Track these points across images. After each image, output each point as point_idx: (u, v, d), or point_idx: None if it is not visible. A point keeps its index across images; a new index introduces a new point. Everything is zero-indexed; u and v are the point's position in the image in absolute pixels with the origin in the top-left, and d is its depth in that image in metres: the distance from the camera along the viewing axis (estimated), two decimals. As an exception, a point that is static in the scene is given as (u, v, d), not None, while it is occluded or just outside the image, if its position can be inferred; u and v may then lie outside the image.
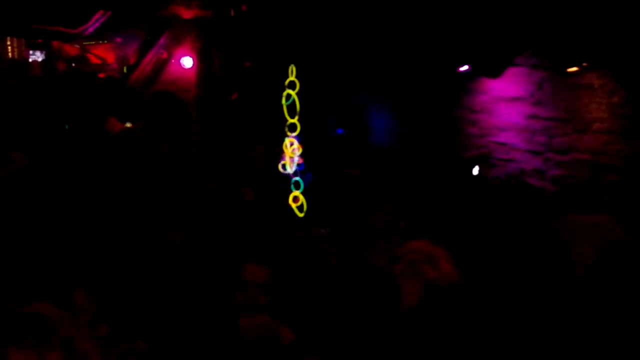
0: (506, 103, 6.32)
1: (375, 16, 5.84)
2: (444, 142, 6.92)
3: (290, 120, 5.30)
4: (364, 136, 6.65)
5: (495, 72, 6.14)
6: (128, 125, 6.00)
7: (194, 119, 6.89)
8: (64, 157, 4.91)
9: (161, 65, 7.41)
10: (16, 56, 7.75)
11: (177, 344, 2.34)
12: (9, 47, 7.75)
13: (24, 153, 4.50)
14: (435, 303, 1.87)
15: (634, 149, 5.20)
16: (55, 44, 7.77)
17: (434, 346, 1.86)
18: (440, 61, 6.29)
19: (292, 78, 5.42)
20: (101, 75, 7.62)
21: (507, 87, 6.25)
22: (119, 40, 7.76)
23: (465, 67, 6.20)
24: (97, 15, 7.02)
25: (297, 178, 5.34)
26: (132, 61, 7.60)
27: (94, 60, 7.82)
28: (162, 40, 7.39)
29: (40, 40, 7.79)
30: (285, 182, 5.44)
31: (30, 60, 7.82)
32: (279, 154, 5.52)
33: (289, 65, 5.46)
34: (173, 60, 7.38)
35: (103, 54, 7.89)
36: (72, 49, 7.81)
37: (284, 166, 5.42)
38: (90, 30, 7.13)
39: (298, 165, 5.43)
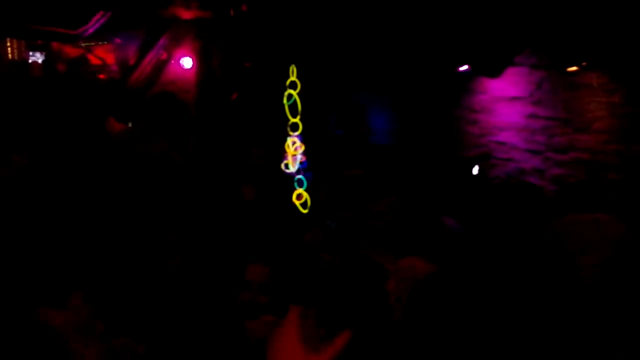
0: (506, 103, 6.33)
1: (375, 16, 5.85)
2: (443, 142, 6.93)
3: (292, 120, 5.31)
4: (363, 136, 6.66)
5: (495, 72, 6.15)
6: (129, 125, 6.00)
7: (194, 119, 6.90)
8: (63, 158, 4.91)
9: (161, 66, 7.42)
10: (16, 57, 7.75)
11: (182, 345, 2.35)
12: (9, 49, 7.75)
13: (23, 154, 4.50)
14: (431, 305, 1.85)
15: (633, 148, 5.20)
16: (55, 45, 7.77)
17: (429, 347, 1.85)
18: (440, 61, 6.29)
19: (293, 78, 5.43)
20: (101, 76, 7.62)
21: (507, 86, 6.26)
22: (118, 41, 7.76)
23: (465, 67, 6.21)
24: (97, 17, 7.02)
25: (300, 176, 5.36)
26: (132, 62, 7.59)
27: (94, 61, 7.82)
28: (161, 41, 7.39)
29: (40, 42, 7.78)
30: (286, 182, 5.45)
31: (30, 61, 7.82)
32: (281, 153, 5.54)
33: (289, 65, 5.46)
34: (173, 61, 7.39)
35: (103, 55, 7.89)
36: (72, 50, 7.81)
37: (286, 165, 5.43)
38: (90, 31, 7.12)
39: (301, 163, 5.45)
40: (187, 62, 7.32)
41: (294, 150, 5.45)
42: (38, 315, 1.03)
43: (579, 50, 5.24)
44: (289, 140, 5.48)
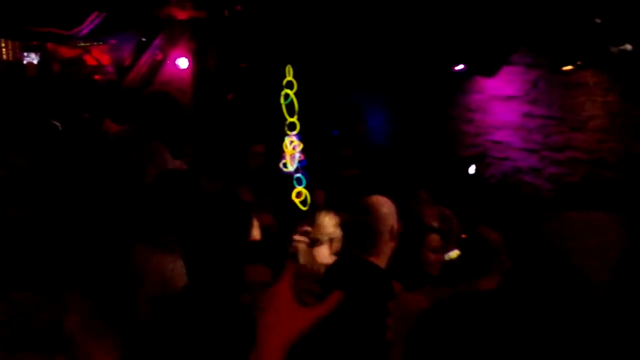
0: (501, 102, 6.34)
1: (370, 16, 5.85)
2: (440, 142, 6.94)
3: (290, 120, 5.31)
4: (360, 136, 6.65)
5: (490, 71, 6.15)
6: (125, 126, 5.99)
7: (190, 120, 6.89)
8: (60, 159, 4.90)
9: (157, 67, 7.40)
10: (10, 58, 7.73)
11: (184, 346, 2.34)
12: (4, 49, 7.72)
13: (20, 155, 4.49)
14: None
15: (629, 147, 5.22)
16: (50, 45, 7.75)
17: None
18: (435, 60, 6.30)
19: (289, 78, 5.43)
20: (97, 77, 7.60)
21: (502, 85, 6.27)
22: (113, 41, 7.74)
23: (460, 66, 6.21)
24: (92, 17, 7.00)
25: (299, 174, 5.36)
26: (127, 63, 7.58)
27: (90, 62, 7.80)
28: (157, 42, 7.38)
29: (35, 42, 7.76)
30: (284, 182, 5.44)
31: (25, 62, 7.79)
32: (279, 153, 5.54)
33: (285, 65, 5.46)
34: (168, 61, 7.37)
35: (98, 55, 7.87)
36: (67, 51, 7.79)
37: (285, 165, 5.43)
38: (85, 31, 7.11)
39: (300, 161, 5.46)
40: (182, 63, 7.31)
41: (292, 149, 5.45)
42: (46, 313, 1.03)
43: (574, 49, 5.25)
44: (287, 140, 5.48)
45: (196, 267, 2.98)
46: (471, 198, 5.69)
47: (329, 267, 3.51)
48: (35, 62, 7.83)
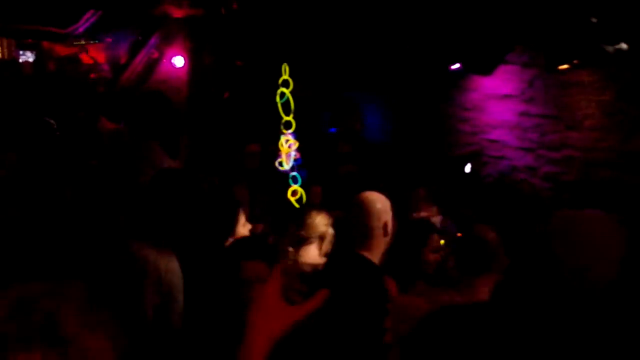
0: (497, 100, 6.35)
1: (367, 14, 5.85)
2: (436, 140, 6.95)
3: (286, 118, 5.31)
4: (357, 134, 6.67)
5: (487, 70, 6.15)
6: (120, 125, 5.98)
7: (186, 118, 6.88)
8: (54, 156, 4.89)
9: (152, 65, 7.39)
10: (6, 56, 7.70)
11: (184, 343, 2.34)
12: (-1, 48, 7.71)
13: (15, 153, 4.48)
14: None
15: (624, 145, 5.23)
16: (46, 44, 7.73)
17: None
18: (432, 59, 6.30)
19: (285, 77, 5.43)
20: (93, 76, 7.59)
21: (499, 84, 6.27)
22: (109, 40, 7.73)
23: (457, 65, 6.22)
24: (87, 15, 6.99)
25: (295, 173, 5.36)
26: (123, 61, 7.57)
27: (86, 60, 7.79)
28: (153, 40, 7.37)
29: (30, 40, 7.74)
30: (279, 181, 5.44)
31: (20, 60, 7.77)
32: (275, 152, 5.54)
33: (281, 63, 5.46)
34: (164, 60, 7.37)
35: (94, 54, 7.86)
36: (63, 49, 7.77)
37: (280, 163, 5.43)
38: (81, 30, 7.10)
39: (295, 160, 5.46)
40: (178, 61, 7.30)
41: (288, 148, 5.46)
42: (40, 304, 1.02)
43: (570, 48, 5.25)
44: (283, 139, 5.48)
45: (188, 263, 2.99)
46: (467, 196, 5.70)
47: (324, 263, 3.51)
48: (30, 60, 7.81)
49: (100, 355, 1.00)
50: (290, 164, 5.36)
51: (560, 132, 5.75)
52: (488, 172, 6.34)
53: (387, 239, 3.04)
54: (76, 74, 7.55)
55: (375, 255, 2.95)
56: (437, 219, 4.89)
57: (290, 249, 3.63)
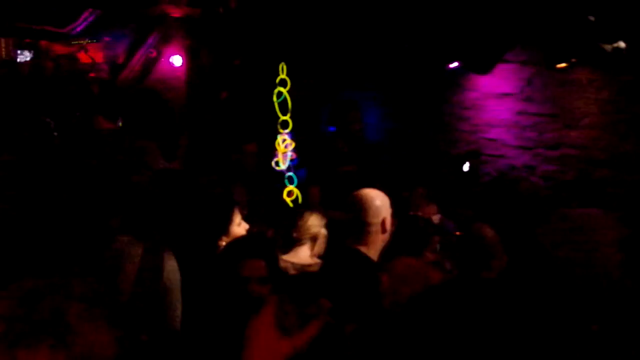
0: (496, 99, 6.35)
1: (365, 13, 5.84)
2: (435, 139, 6.94)
3: (283, 118, 5.31)
4: (356, 133, 6.66)
5: (485, 69, 6.16)
6: (118, 124, 5.97)
7: (185, 118, 6.87)
8: (51, 156, 4.88)
9: (150, 64, 7.38)
10: (4, 56, 7.69)
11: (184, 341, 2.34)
12: (-3, 47, 7.70)
13: (9, 152, 4.49)
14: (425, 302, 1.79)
15: (622, 144, 5.24)
16: (44, 43, 7.72)
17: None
18: (430, 58, 6.30)
19: (282, 76, 5.42)
20: (92, 75, 7.58)
21: (497, 83, 6.27)
22: (107, 39, 7.72)
23: (455, 64, 6.22)
24: (86, 14, 6.98)
25: (291, 173, 5.35)
26: (121, 60, 7.56)
27: (84, 59, 7.78)
28: (151, 39, 7.36)
29: (28, 40, 7.73)
30: (277, 180, 5.44)
31: (18, 59, 7.76)
32: (271, 151, 5.53)
33: (279, 62, 5.45)
34: (162, 59, 7.36)
35: (92, 53, 7.85)
36: (61, 48, 7.76)
37: (277, 163, 5.42)
38: (79, 29, 7.08)
39: (292, 160, 5.45)
40: (176, 60, 7.29)
41: (284, 148, 5.45)
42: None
43: (568, 47, 5.26)
44: (279, 138, 5.48)
45: (184, 261, 2.99)
46: (466, 195, 5.71)
47: (315, 264, 3.52)
48: (28, 59, 7.80)
49: (105, 349, 1.00)
50: (287, 164, 5.36)
51: (558, 131, 5.75)
52: (486, 171, 6.34)
53: (386, 235, 3.04)
54: (73, 73, 7.54)
55: (372, 251, 2.95)
56: (436, 218, 4.90)
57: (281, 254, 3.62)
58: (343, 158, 6.08)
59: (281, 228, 3.94)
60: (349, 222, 3.10)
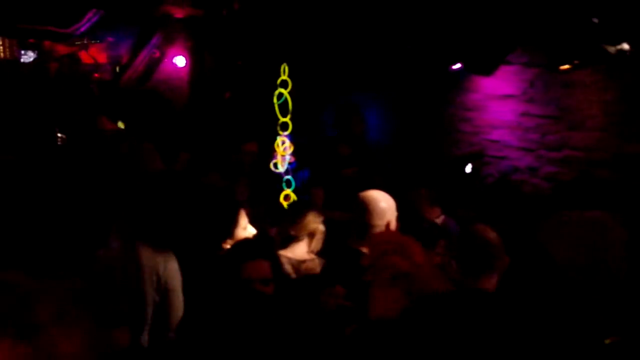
0: (498, 101, 6.34)
1: (368, 15, 5.84)
2: (437, 140, 6.94)
3: (282, 119, 5.30)
4: (359, 135, 6.66)
5: (488, 70, 6.15)
6: (120, 125, 5.98)
7: (187, 118, 6.88)
8: (54, 157, 4.89)
9: (154, 65, 7.40)
10: (7, 56, 7.70)
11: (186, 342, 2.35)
12: (0, 47, 7.70)
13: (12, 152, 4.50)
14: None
15: (626, 146, 5.23)
16: (47, 43, 7.73)
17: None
18: (432, 59, 6.30)
19: (284, 77, 5.42)
20: (96, 75, 7.60)
21: (499, 85, 6.27)
22: (111, 39, 7.73)
23: (458, 65, 6.22)
24: (89, 15, 6.99)
25: (289, 177, 5.35)
26: (124, 61, 7.58)
27: (86, 60, 7.79)
28: (154, 40, 7.37)
29: (31, 40, 7.74)
30: (277, 181, 5.44)
31: (22, 60, 7.78)
32: (271, 152, 5.53)
33: (282, 63, 5.45)
34: (166, 60, 7.37)
35: (95, 53, 7.86)
36: (64, 49, 7.77)
37: (275, 165, 5.42)
38: (82, 29, 7.10)
39: (290, 163, 5.44)
40: (180, 61, 7.31)
41: (283, 150, 5.45)
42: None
43: (571, 49, 5.25)
44: (279, 140, 5.47)
45: (187, 263, 2.99)
46: (468, 197, 5.70)
47: (311, 259, 3.53)
48: (31, 60, 7.81)
49: (73, 348, 0.99)
50: (285, 166, 5.35)
51: (561, 133, 5.75)
52: (489, 172, 6.34)
53: None
54: (77, 74, 7.56)
55: None
56: (439, 219, 4.89)
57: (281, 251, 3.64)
58: (345, 160, 6.08)
59: (279, 225, 3.96)
60: (352, 223, 3.10)
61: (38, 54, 7.79)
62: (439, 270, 1.98)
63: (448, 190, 5.60)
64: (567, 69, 5.44)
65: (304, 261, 3.62)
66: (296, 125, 5.41)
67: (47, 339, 0.99)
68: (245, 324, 2.03)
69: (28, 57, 7.81)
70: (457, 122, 6.80)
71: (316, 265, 3.61)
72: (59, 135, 5.66)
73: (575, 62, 5.34)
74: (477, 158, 6.38)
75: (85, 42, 7.64)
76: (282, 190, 5.28)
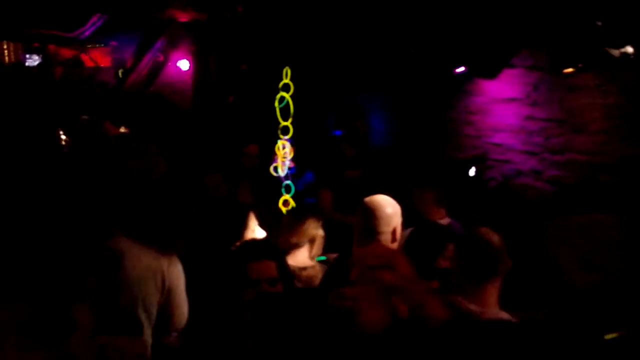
0: (502, 104, 6.34)
1: (372, 18, 5.85)
2: (441, 143, 6.94)
3: (283, 123, 5.31)
4: (363, 137, 6.66)
5: (492, 73, 6.15)
6: (122, 129, 6.00)
7: (191, 122, 6.89)
8: (57, 161, 4.91)
9: (158, 69, 7.42)
10: (13, 60, 7.74)
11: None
12: (5, 51, 7.74)
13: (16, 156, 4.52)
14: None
15: (630, 149, 5.22)
16: (52, 47, 7.76)
17: None
18: (436, 62, 6.30)
19: (286, 80, 5.43)
20: (98, 79, 7.62)
21: (503, 88, 6.27)
22: (115, 43, 7.76)
23: (462, 69, 6.22)
24: (94, 19, 7.01)
25: (289, 182, 5.34)
26: (128, 64, 7.60)
27: (88, 63, 7.82)
28: (158, 44, 7.39)
29: (36, 44, 7.77)
30: (278, 185, 5.44)
31: (27, 64, 7.81)
32: (272, 156, 5.53)
33: (285, 67, 5.45)
34: (170, 63, 7.39)
35: (99, 58, 7.89)
36: (68, 53, 7.81)
37: (275, 169, 5.42)
38: (87, 33, 7.11)
39: (289, 169, 5.43)
40: (184, 65, 7.32)
41: (284, 154, 5.45)
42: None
43: (575, 52, 5.25)
44: (279, 144, 5.48)
45: (194, 266, 3.00)
46: (472, 200, 5.69)
47: (313, 265, 3.52)
48: (36, 64, 7.85)
49: None
50: (285, 171, 5.35)
51: (565, 136, 5.74)
52: (492, 176, 6.33)
53: (395, 245, 3.02)
54: (80, 78, 7.59)
55: None
56: (444, 221, 4.88)
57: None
58: (348, 162, 6.08)
59: (279, 232, 3.94)
60: (358, 229, 3.08)
61: (43, 58, 7.82)
62: (426, 283, 1.96)
63: (452, 192, 5.59)
64: (571, 72, 5.43)
65: (305, 268, 3.61)
66: (299, 128, 5.41)
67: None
68: (252, 325, 2.03)
69: (33, 60, 7.84)
70: (461, 125, 6.80)
71: (317, 272, 3.60)
72: (64, 138, 5.67)
73: (579, 65, 5.33)
74: (480, 161, 6.37)
75: (89, 46, 7.67)
76: (282, 195, 5.28)
